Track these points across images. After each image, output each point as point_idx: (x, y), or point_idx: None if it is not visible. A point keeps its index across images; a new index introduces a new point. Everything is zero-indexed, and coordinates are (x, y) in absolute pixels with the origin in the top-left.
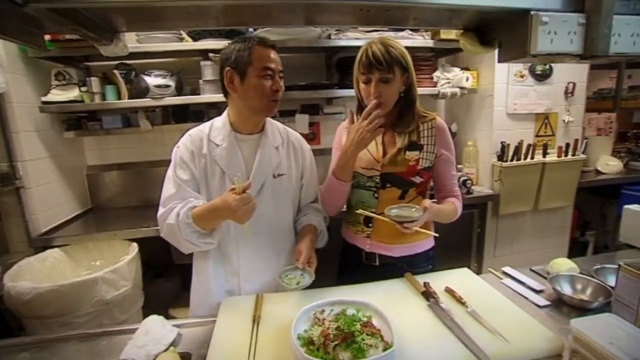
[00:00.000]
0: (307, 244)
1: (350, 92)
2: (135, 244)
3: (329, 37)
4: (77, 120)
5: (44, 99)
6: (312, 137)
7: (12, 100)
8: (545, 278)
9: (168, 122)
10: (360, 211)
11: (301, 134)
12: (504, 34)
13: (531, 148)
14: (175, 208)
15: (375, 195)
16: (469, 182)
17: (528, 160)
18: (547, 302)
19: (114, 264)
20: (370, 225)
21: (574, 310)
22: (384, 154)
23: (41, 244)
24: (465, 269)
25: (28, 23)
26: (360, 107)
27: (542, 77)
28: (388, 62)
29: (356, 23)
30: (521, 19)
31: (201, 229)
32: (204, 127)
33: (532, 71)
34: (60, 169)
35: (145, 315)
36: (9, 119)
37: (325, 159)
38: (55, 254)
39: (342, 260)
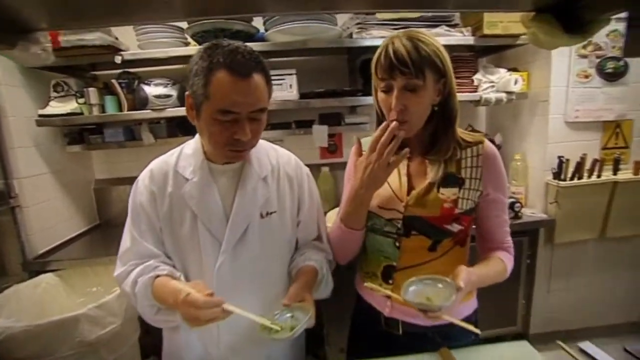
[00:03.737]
0: (298, 284)
1: None
2: None
3: (350, 36)
4: (78, 134)
5: (40, 111)
6: (333, 149)
7: (7, 114)
8: None
9: (174, 135)
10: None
11: (320, 147)
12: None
13: (597, 164)
14: (133, 272)
15: (397, 243)
16: (517, 205)
17: (593, 178)
18: None
19: (111, 292)
20: (390, 281)
21: None
22: (410, 189)
23: (36, 267)
24: (524, 343)
25: None
26: (380, 124)
27: (613, 76)
28: (416, 62)
29: (381, 6)
30: None
31: (161, 305)
32: (171, 156)
33: (600, 69)
34: (63, 185)
35: (143, 348)
36: (3, 133)
37: None
38: (49, 280)
39: (355, 320)
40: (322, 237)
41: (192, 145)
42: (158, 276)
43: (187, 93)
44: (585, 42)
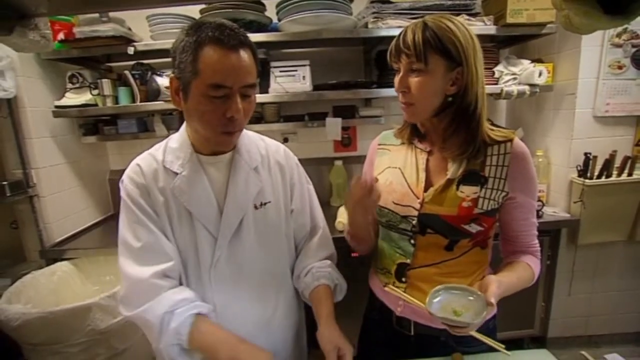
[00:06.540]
0: (329, 329)
1: (390, 92)
2: None
3: (365, 26)
4: (93, 125)
5: (57, 103)
6: (347, 142)
7: (24, 105)
8: None
9: None
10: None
11: (334, 140)
12: None
13: (629, 161)
14: (164, 299)
15: (412, 241)
16: (538, 203)
17: (624, 177)
18: None
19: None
20: (404, 279)
21: None
22: (427, 186)
23: (52, 255)
24: (544, 352)
25: None
26: None
27: None
28: (418, 46)
29: None
30: None
31: (192, 346)
32: (155, 152)
33: (636, 59)
34: (79, 175)
35: None
36: (21, 124)
37: (362, 167)
38: (65, 267)
39: (367, 317)
40: (318, 226)
41: (177, 138)
42: (200, 314)
43: (171, 76)
44: (619, 30)
